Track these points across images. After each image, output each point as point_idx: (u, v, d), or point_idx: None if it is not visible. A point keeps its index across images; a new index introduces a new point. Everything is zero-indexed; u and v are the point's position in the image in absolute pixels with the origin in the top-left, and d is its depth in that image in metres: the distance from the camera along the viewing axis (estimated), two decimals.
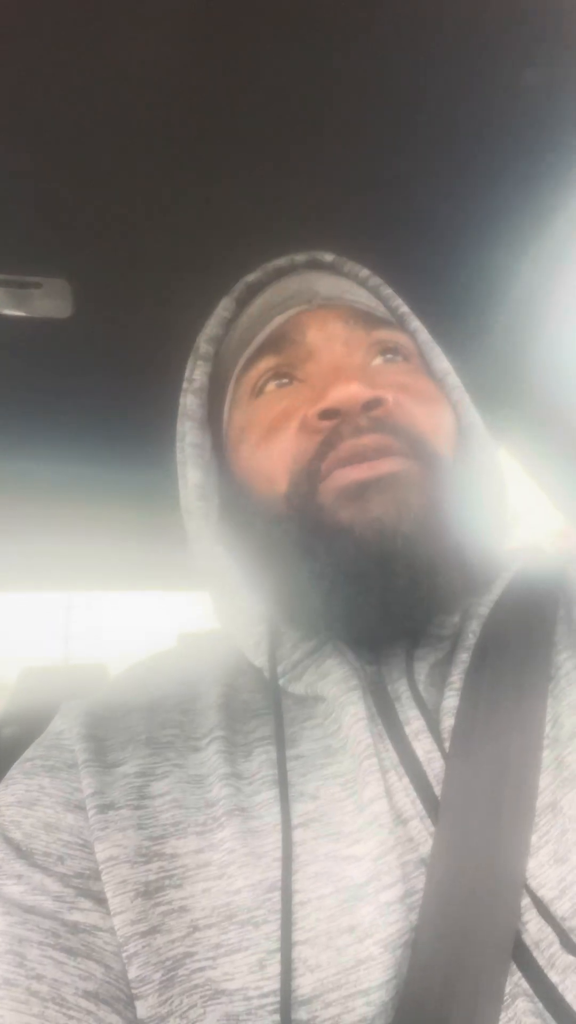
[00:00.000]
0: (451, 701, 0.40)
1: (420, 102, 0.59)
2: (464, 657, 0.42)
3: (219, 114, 0.59)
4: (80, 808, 0.39)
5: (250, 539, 0.45)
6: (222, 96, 0.58)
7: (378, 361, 0.48)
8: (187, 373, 0.53)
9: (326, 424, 0.42)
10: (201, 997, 0.32)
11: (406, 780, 0.37)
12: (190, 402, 0.51)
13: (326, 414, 0.42)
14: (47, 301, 0.78)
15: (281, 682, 0.44)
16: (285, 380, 0.47)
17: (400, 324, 0.52)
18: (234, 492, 0.47)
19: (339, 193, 0.69)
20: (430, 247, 0.75)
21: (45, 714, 0.48)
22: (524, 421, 0.95)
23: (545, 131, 0.62)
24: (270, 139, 0.62)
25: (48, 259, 0.73)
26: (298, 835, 0.36)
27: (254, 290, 0.56)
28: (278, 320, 0.50)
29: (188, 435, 0.50)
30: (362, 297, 0.53)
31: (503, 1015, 0.30)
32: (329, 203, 0.69)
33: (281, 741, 0.39)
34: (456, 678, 0.41)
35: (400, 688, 0.41)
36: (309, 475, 0.42)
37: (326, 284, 0.53)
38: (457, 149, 0.64)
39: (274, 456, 0.44)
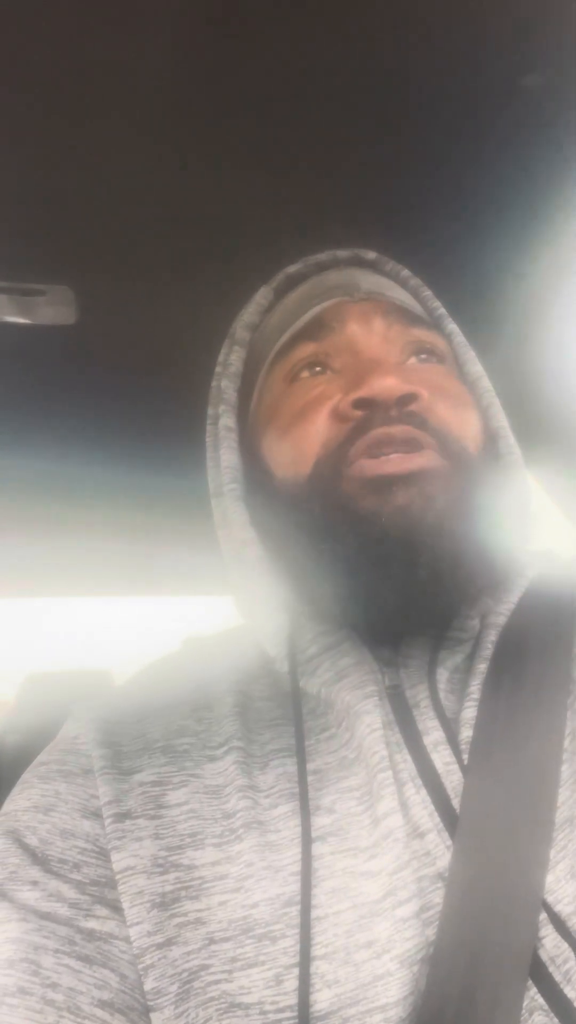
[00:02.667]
0: (469, 712, 0.39)
1: (432, 106, 0.59)
2: (482, 667, 0.41)
3: (224, 119, 0.59)
4: (96, 815, 0.39)
5: (274, 522, 0.44)
6: (226, 101, 0.58)
7: (413, 360, 0.48)
8: (221, 358, 0.53)
9: (358, 413, 0.42)
10: (217, 1010, 0.32)
11: (424, 793, 0.37)
12: (225, 386, 0.51)
13: (360, 403, 0.42)
14: (51, 308, 0.78)
15: (296, 673, 0.43)
16: (319, 369, 0.47)
17: (437, 326, 0.52)
18: (258, 476, 0.47)
19: (342, 200, 0.69)
20: (441, 255, 0.75)
21: (49, 721, 0.48)
22: (538, 435, 0.95)
23: (553, 134, 0.62)
24: (274, 147, 0.62)
25: (52, 266, 0.74)
26: (315, 849, 0.36)
27: (293, 281, 0.56)
28: (319, 308, 0.50)
29: (223, 418, 0.50)
30: (402, 296, 0.53)
31: None
32: (331, 209, 0.69)
33: (302, 754, 0.39)
34: (474, 688, 0.40)
35: (419, 695, 0.41)
36: (335, 460, 0.42)
37: (368, 280, 0.53)
38: (467, 154, 0.64)
39: (302, 440, 0.43)
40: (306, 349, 0.48)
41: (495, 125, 0.61)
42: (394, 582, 0.39)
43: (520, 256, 0.76)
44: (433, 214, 0.71)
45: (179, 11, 0.51)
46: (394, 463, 0.40)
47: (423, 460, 0.40)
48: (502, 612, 0.44)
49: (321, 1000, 0.31)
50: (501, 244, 0.74)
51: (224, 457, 0.48)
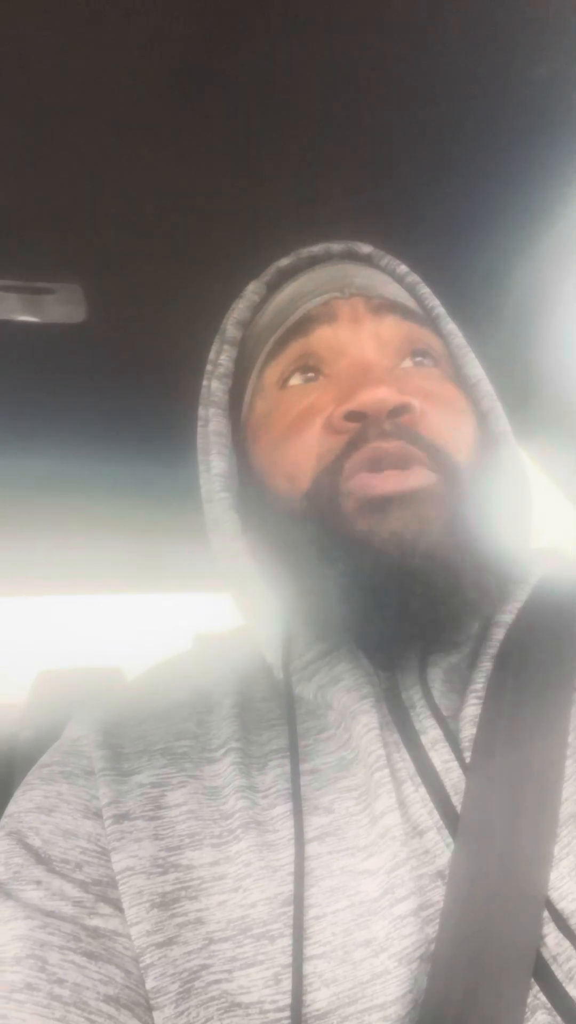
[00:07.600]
0: (472, 709, 0.39)
1: (431, 99, 0.59)
2: (487, 665, 0.41)
3: (230, 115, 0.59)
4: (98, 816, 0.39)
5: (268, 534, 0.44)
6: (233, 96, 0.58)
7: (408, 363, 0.46)
8: (212, 356, 0.52)
9: (351, 425, 0.41)
10: (217, 1010, 0.32)
11: (423, 791, 0.36)
12: (215, 387, 0.49)
13: (351, 416, 0.41)
14: (60, 306, 0.78)
15: (292, 679, 0.43)
16: (312, 375, 0.46)
17: (434, 325, 0.51)
18: (253, 484, 0.46)
19: (347, 193, 0.68)
20: (439, 247, 0.75)
21: (62, 718, 0.48)
22: (540, 423, 0.95)
23: (552, 127, 0.62)
24: (281, 139, 0.62)
25: (61, 264, 0.74)
26: (313, 849, 0.36)
27: (285, 275, 0.54)
28: (308, 305, 0.48)
29: (212, 422, 0.48)
30: (398, 293, 0.52)
31: None
32: (336, 202, 0.69)
33: (295, 754, 0.39)
34: (479, 685, 0.40)
35: (414, 695, 0.41)
36: (332, 475, 0.41)
37: (362, 276, 0.51)
38: (465, 147, 0.64)
39: (297, 453, 0.43)
40: (296, 349, 0.46)
41: (496, 117, 0.60)
42: (387, 609, 0.38)
43: (524, 246, 0.75)
44: (433, 206, 0.70)
45: (178, 10, 0.50)
46: (391, 481, 0.39)
47: (417, 478, 0.40)
48: (509, 611, 0.44)
49: (319, 999, 0.31)
50: (504, 234, 0.74)
51: (215, 464, 0.47)
